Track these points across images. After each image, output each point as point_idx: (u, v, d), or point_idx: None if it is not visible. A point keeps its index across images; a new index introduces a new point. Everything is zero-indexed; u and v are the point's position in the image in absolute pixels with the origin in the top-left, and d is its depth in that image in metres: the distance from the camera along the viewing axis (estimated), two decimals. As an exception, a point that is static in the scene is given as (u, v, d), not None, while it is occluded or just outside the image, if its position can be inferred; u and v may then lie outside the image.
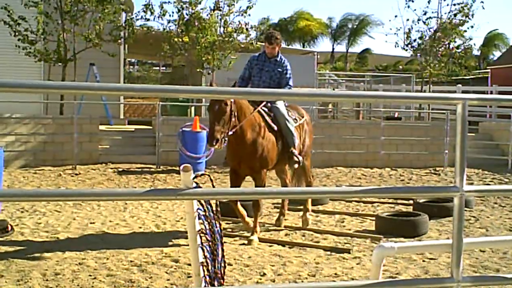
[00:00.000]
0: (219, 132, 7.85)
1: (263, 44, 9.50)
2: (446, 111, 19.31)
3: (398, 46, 24.00)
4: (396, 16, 22.64)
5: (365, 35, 64.26)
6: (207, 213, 3.93)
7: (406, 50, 23.94)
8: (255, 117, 8.57)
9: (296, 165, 9.18)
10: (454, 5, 22.77)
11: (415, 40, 23.50)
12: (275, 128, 8.86)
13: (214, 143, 7.83)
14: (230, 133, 8.13)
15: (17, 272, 6.89)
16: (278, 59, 9.25)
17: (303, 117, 9.72)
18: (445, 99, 3.72)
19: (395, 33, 23.62)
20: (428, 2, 22.92)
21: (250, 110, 8.49)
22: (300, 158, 9.15)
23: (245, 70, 9.34)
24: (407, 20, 23.52)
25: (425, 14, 23.14)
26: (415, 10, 23.26)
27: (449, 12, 23.06)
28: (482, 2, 23.01)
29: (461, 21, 22.83)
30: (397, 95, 3.66)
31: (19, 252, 7.74)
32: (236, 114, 8.12)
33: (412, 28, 23.25)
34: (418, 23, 23.22)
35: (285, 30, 62.72)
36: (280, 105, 9.10)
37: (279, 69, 9.19)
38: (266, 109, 8.91)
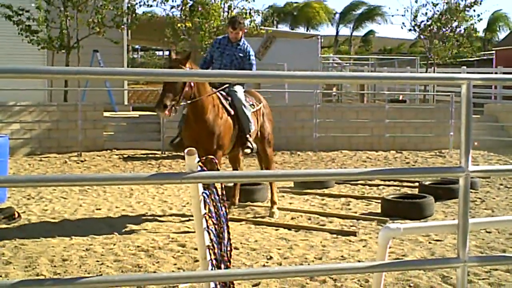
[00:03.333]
0: (168, 99, 7.72)
1: (229, 28, 9.19)
2: (451, 93, 19.26)
3: (404, 27, 23.95)
4: None
5: (371, 22, 63.88)
6: (212, 197, 3.93)
7: (412, 31, 23.88)
8: (213, 98, 8.53)
9: (248, 151, 9.07)
10: None
11: (421, 22, 23.43)
12: (232, 112, 8.81)
13: (162, 109, 7.71)
14: (184, 103, 8.13)
15: (25, 259, 6.92)
16: (241, 43, 9.14)
17: (260, 102, 9.62)
18: (449, 79, 3.71)
19: (403, 15, 23.56)
20: None
21: (210, 87, 8.48)
22: (254, 145, 9.05)
23: (208, 53, 9.32)
24: (416, 1, 23.36)
25: None
26: None
27: None
28: None
29: (471, 4, 22.74)
30: (402, 76, 3.64)
31: (26, 238, 7.77)
32: (194, 85, 8.04)
33: (419, 9, 23.19)
34: (426, 5, 23.15)
35: (290, 14, 62.54)
36: (238, 90, 9.04)
37: (241, 54, 9.10)
38: (224, 93, 8.88)
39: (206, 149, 8.35)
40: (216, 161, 4.17)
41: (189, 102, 8.15)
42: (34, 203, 10.17)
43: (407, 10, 23.48)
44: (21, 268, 6.59)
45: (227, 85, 8.86)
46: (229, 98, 8.90)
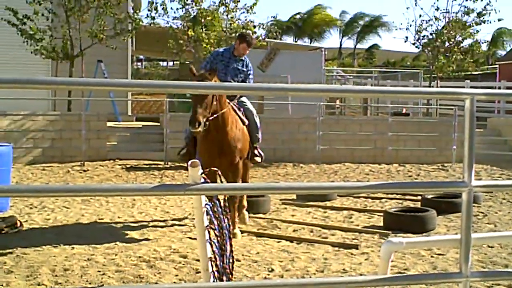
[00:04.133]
0: (201, 115, 7.72)
1: (235, 42, 9.29)
2: (454, 106, 19.27)
3: (407, 41, 23.96)
4: (408, 8, 22.41)
5: (375, 34, 64.05)
6: (215, 208, 3.93)
7: (416, 45, 23.90)
8: (229, 109, 8.58)
9: (258, 159, 9.22)
10: (465, 7, 22.69)
11: (424, 36, 23.43)
12: (246, 122, 8.93)
13: (197, 126, 7.69)
14: (211, 118, 8.05)
15: (27, 268, 6.92)
16: (243, 58, 9.24)
17: None
18: (453, 94, 3.71)
19: (406, 28, 23.56)
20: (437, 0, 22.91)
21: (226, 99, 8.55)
22: (263, 154, 9.26)
23: (207, 63, 9.19)
24: (420, 16, 23.29)
25: (437, 9, 23.02)
26: (422, 8, 23.06)
27: (457, 12, 22.98)
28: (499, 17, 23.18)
29: (477, 22, 22.71)
30: (406, 90, 3.65)
31: (28, 248, 7.77)
32: (217, 98, 8.07)
33: (422, 24, 23.18)
34: (429, 21, 23.13)
35: (295, 25, 62.73)
36: (247, 101, 9.20)
37: (244, 69, 9.20)
38: (235, 104, 8.95)
39: (230, 161, 8.52)
40: (220, 173, 4.17)
41: (215, 116, 8.13)
42: (37, 212, 10.17)
43: (411, 25, 23.47)
44: (22, 278, 6.58)
45: (240, 97, 8.95)
46: (241, 109, 8.95)
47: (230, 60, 9.14)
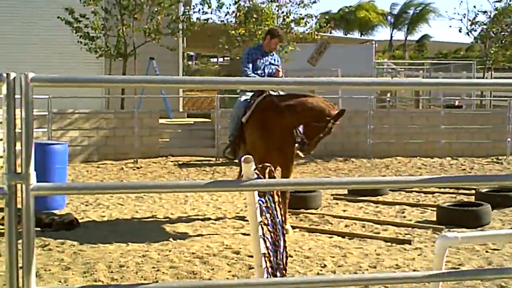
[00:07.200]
0: None
1: (265, 37, 9.49)
2: (509, 98, 18.90)
3: (461, 32, 23.61)
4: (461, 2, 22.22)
5: (425, 23, 63.04)
6: (268, 204, 3.95)
7: (470, 34, 23.53)
8: None
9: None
10: None
11: (477, 26, 22.99)
12: None
13: None
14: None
15: (83, 265, 7.05)
16: (274, 53, 9.51)
17: None
18: (509, 85, 3.65)
19: (460, 20, 23.19)
20: None
21: None
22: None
23: (248, 63, 9.25)
24: (474, 7, 22.93)
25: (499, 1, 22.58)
26: None
27: None
28: None
29: None
30: (460, 82, 3.58)
31: (84, 245, 7.92)
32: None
33: (477, 14, 22.77)
34: (485, 12, 22.69)
35: (344, 19, 62.28)
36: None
37: (276, 63, 9.42)
38: None
39: (289, 154, 8.80)
40: (273, 168, 4.19)
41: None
42: (92, 210, 10.35)
43: (465, 16, 23.06)
44: (79, 274, 6.72)
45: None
46: None
47: (263, 57, 9.33)
